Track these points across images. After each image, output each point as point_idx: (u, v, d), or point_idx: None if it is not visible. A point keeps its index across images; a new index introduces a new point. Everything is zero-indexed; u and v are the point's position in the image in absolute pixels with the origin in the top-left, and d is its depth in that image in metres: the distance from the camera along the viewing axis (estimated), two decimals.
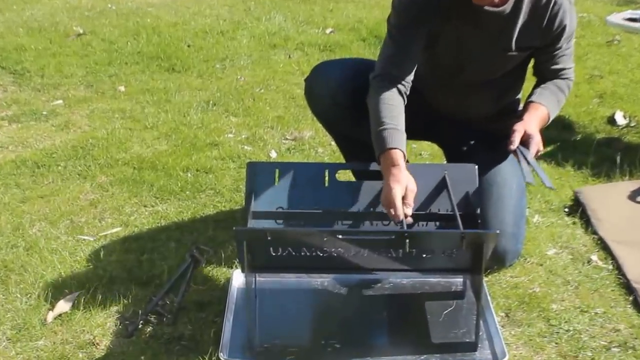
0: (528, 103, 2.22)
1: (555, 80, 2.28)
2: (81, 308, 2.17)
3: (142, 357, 1.99)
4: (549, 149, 3.20)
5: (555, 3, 2.13)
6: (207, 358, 1.96)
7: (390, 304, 2.18)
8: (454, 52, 2.21)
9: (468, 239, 1.82)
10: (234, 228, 1.84)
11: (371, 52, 4.49)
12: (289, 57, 4.53)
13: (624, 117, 3.51)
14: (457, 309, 2.13)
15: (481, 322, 1.98)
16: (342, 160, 2.61)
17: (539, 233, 2.54)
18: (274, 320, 2.09)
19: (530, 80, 2.36)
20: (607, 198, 2.71)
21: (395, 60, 2.16)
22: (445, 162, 2.56)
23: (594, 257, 2.40)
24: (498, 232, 1.85)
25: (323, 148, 3.22)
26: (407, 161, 2.04)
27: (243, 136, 3.38)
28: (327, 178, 2.14)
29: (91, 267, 2.39)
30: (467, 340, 2.00)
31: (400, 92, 2.13)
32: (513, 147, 2.08)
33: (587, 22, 5.02)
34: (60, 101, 3.85)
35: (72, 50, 4.64)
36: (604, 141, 3.28)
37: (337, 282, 2.23)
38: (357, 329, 2.05)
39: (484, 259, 1.84)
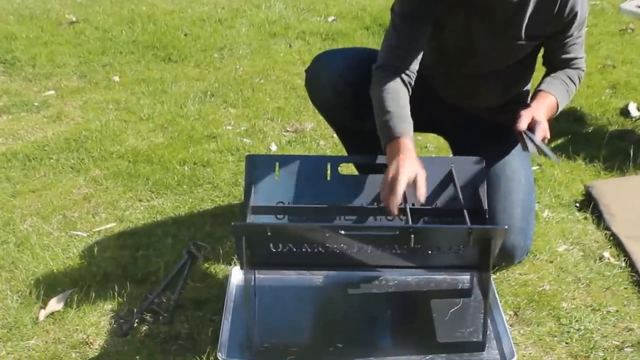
0: (536, 92, 2.22)
1: (565, 70, 2.28)
2: (74, 306, 2.17)
3: (138, 357, 1.99)
4: (559, 141, 3.20)
5: None
6: (204, 358, 1.96)
7: (394, 302, 2.18)
8: (461, 41, 2.21)
9: (475, 234, 1.82)
10: (232, 223, 1.84)
11: (375, 41, 4.48)
12: (290, 46, 4.52)
13: (638, 108, 3.51)
14: (463, 307, 2.14)
15: (489, 321, 1.98)
16: (344, 153, 2.60)
17: (549, 229, 2.54)
18: (274, 318, 2.09)
19: (540, 71, 2.36)
20: (620, 192, 2.71)
21: (399, 52, 2.16)
22: (451, 155, 2.56)
23: (606, 254, 2.40)
24: (506, 227, 1.84)
25: (325, 140, 3.22)
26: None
27: (242, 128, 3.38)
28: (329, 171, 2.13)
29: (84, 263, 2.39)
30: (474, 339, 2.00)
31: (404, 82, 2.13)
32: (520, 128, 2.07)
33: (600, 10, 5.01)
34: (53, 92, 3.85)
35: (65, 39, 4.63)
36: (616, 133, 3.28)
37: (340, 280, 2.23)
38: (360, 328, 2.06)
39: (492, 255, 1.84)
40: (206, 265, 2.37)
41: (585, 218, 2.61)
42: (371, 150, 2.20)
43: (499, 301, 2.09)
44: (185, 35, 4.71)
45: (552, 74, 2.28)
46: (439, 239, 1.94)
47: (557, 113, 2.25)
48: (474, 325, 2.05)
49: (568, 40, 2.22)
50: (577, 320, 2.11)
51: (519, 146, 2.31)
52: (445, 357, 1.94)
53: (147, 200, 2.77)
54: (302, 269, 2.22)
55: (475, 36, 2.19)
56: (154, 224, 2.62)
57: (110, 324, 2.12)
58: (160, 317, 2.13)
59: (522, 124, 2.07)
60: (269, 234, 1.85)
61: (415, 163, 1.96)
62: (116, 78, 4.02)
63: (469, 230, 1.84)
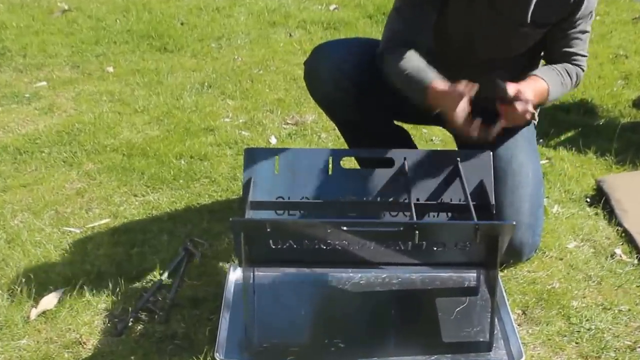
0: (528, 76, 2.21)
1: (564, 64, 2.28)
2: (67, 305, 2.17)
3: (132, 357, 1.99)
4: (569, 134, 3.20)
5: None
6: (201, 358, 1.96)
7: (398, 300, 2.18)
8: (464, 26, 2.21)
9: (482, 230, 1.82)
10: (230, 219, 1.84)
11: (378, 31, 4.47)
12: (290, 35, 4.52)
13: None
14: (470, 306, 2.14)
15: (496, 320, 1.98)
16: (347, 146, 2.60)
17: (558, 225, 2.54)
18: (274, 317, 2.09)
19: None
20: (632, 187, 2.71)
21: (404, 35, 2.17)
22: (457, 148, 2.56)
23: (618, 251, 2.40)
24: (514, 223, 1.84)
25: (326, 133, 3.22)
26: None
27: (240, 120, 3.38)
28: (330, 165, 2.13)
29: (77, 261, 2.39)
30: (481, 339, 2.00)
31: (416, 49, 2.16)
32: (509, 93, 2.06)
33: None
34: (44, 83, 3.85)
35: (57, 28, 4.64)
36: (629, 126, 3.27)
37: (341, 277, 2.23)
38: (363, 327, 2.06)
39: (500, 252, 1.84)
40: (203, 262, 2.37)
41: (596, 214, 2.61)
42: (374, 144, 2.20)
43: (506, 300, 2.09)
44: (182, 24, 4.71)
45: (549, 65, 2.28)
46: (445, 235, 1.94)
47: (547, 103, 2.24)
48: (481, 324, 2.05)
49: (572, 31, 2.22)
50: (587, 320, 2.11)
51: (526, 139, 2.32)
52: (451, 358, 1.94)
53: (142, 196, 2.77)
54: (302, 266, 2.22)
55: (479, 21, 2.19)
56: (149, 219, 2.62)
57: (104, 323, 2.12)
58: (156, 316, 2.13)
59: (510, 91, 2.07)
60: (268, 230, 1.85)
61: (453, 89, 2.02)
62: (110, 69, 4.02)
63: (476, 226, 1.84)
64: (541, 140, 3.09)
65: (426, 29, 2.18)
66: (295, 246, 1.95)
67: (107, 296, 2.22)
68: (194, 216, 2.63)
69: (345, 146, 2.57)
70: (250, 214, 2.07)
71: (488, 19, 2.18)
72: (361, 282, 2.23)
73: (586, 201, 2.70)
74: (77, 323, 2.11)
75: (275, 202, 2.12)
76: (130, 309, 2.16)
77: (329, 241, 1.92)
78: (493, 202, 2.06)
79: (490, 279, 1.95)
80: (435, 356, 1.94)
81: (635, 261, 2.35)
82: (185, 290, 2.24)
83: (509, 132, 2.30)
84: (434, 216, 2.12)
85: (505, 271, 2.30)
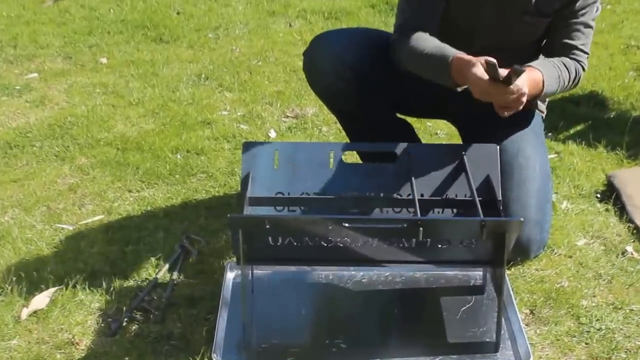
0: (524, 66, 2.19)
1: (563, 58, 2.26)
2: (59, 304, 2.17)
3: (127, 358, 1.99)
4: (579, 127, 3.20)
5: None
6: (198, 359, 1.96)
7: (401, 299, 2.18)
8: (468, 13, 2.22)
9: (488, 227, 1.82)
10: (228, 215, 1.84)
11: (382, 20, 4.48)
12: (290, 25, 4.51)
13: None
14: (476, 305, 2.14)
15: (503, 320, 1.98)
16: (348, 140, 2.60)
17: (567, 221, 2.54)
18: (273, 317, 2.10)
19: None
20: None
21: (415, 22, 2.18)
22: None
23: (629, 248, 2.40)
24: (522, 219, 1.84)
25: (327, 127, 3.22)
26: None
27: (238, 113, 3.38)
28: (332, 160, 2.13)
29: (70, 259, 2.39)
30: (487, 340, 2.00)
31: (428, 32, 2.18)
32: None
33: None
34: (35, 74, 3.85)
35: (48, 18, 4.64)
36: None
37: (343, 276, 2.23)
38: (365, 327, 2.06)
39: (506, 249, 1.84)
40: (200, 260, 2.37)
41: (607, 210, 2.61)
42: (376, 138, 2.20)
43: (513, 299, 2.09)
44: (178, 13, 4.70)
45: (547, 58, 2.27)
46: (450, 232, 1.94)
47: (542, 96, 2.21)
48: (487, 324, 2.05)
49: (574, 21, 2.22)
50: (597, 320, 2.11)
51: (533, 132, 2.32)
52: (456, 359, 1.94)
53: (137, 191, 2.77)
54: (302, 264, 2.22)
55: (483, 8, 2.19)
56: (144, 216, 2.62)
57: (97, 323, 2.12)
58: (151, 316, 2.13)
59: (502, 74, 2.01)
60: (267, 226, 1.85)
61: (477, 59, 2.01)
62: (104, 60, 4.02)
63: (482, 222, 1.83)
64: (550, 134, 3.08)
65: (435, 17, 2.19)
66: (295, 243, 1.95)
67: (100, 295, 2.22)
68: (191, 212, 2.63)
69: (347, 140, 2.57)
70: (248, 210, 2.07)
71: (492, 6, 2.19)
72: (363, 280, 2.23)
73: (596, 197, 2.69)
74: (69, 323, 2.11)
75: (274, 197, 2.12)
76: (124, 308, 2.16)
77: (330, 238, 1.92)
78: (500, 197, 2.06)
79: (497, 277, 1.95)
80: (440, 357, 1.94)
81: None
82: (181, 289, 2.24)
83: (516, 125, 2.30)
84: (438, 212, 2.12)
85: (513, 269, 2.30)
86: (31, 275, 2.30)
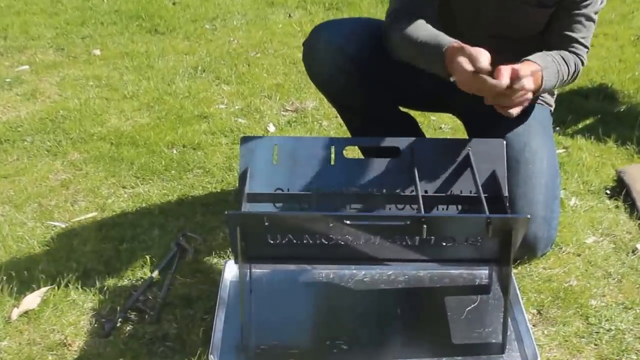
0: (522, 60, 2.17)
1: (561, 51, 2.25)
2: (51, 304, 2.17)
3: None
4: (588, 121, 3.20)
5: None
6: None
7: (404, 299, 2.18)
8: (468, 4, 2.22)
9: (495, 224, 1.82)
10: (225, 212, 1.84)
11: (384, 11, 4.44)
12: (289, 16, 4.51)
13: None
14: (481, 305, 2.14)
15: (509, 320, 1.98)
16: (349, 135, 2.60)
17: (576, 218, 2.54)
18: (272, 317, 2.09)
19: None
20: None
21: (410, 9, 2.17)
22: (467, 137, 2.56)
23: None
24: (529, 216, 1.84)
25: (328, 121, 3.22)
26: None
27: (236, 107, 3.38)
28: (333, 155, 2.13)
29: (62, 257, 2.39)
30: (493, 341, 2.00)
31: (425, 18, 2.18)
32: (504, 82, 1.97)
33: None
34: (26, 67, 3.85)
35: (40, 8, 4.63)
36: None
37: (344, 275, 2.23)
38: (367, 327, 2.06)
39: (513, 247, 1.84)
40: (197, 258, 2.37)
41: (617, 206, 2.61)
42: (378, 132, 2.20)
43: (520, 298, 2.09)
44: (174, 3, 4.70)
45: (545, 51, 2.25)
46: (454, 229, 1.94)
47: (541, 92, 2.20)
48: (493, 325, 2.04)
49: (575, 12, 2.21)
50: (607, 320, 2.11)
51: (541, 126, 2.32)
52: None
53: (132, 187, 2.77)
54: (302, 263, 2.21)
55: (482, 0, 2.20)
56: (139, 213, 2.62)
57: (90, 324, 2.12)
58: (146, 316, 2.13)
59: (503, 79, 1.97)
60: (266, 224, 1.84)
61: (472, 49, 1.99)
62: (97, 51, 4.02)
63: (488, 219, 1.83)
64: (558, 128, 3.08)
65: (434, 3, 2.19)
66: (294, 241, 1.95)
67: (94, 295, 2.22)
68: (187, 209, 2.63)
69: (348, 134, 2.57)
70: (246, 207, 2.07)
71: None
72: (365, 279, 2.23)
73: (606, 193, 2.69)
74: (61, 323, 2.11)
75: (273, 194, 2.11)
76: (118, 308, 2.16)
77: (330, 236, 1.92)
78: (506, 193, 2.06)
79: (503, 276, 1.95)
80: (444, 358, 1.94)
81: None
82: (177, 289, 2.24)
83: (523, 118, 2.29)
84: (443, 209, 2.11)
85: (519, 268, 2.30)
86: (22, 275, 2.30)
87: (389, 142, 2.12)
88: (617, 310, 2.15)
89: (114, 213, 2.62)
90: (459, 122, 2.76)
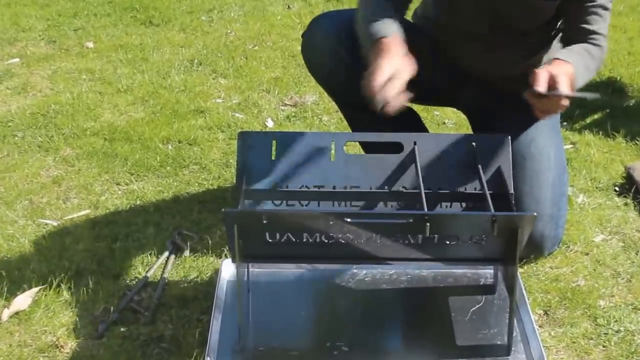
0: (551, 60, 2.17)
1: (585, 45, 2.24)
2: (42, 305, 2.17)
3: None
4: (596, 116, 3.20)
5: None
6: None
7: (407, 299, 2.18)
8: None
9: (500, 222, 1.82)
10: (223, 210, 1.84)
11: None
12: (288, 7, 4.51)
13: None
14: (486, 305, 2.13)
15: (515, 321, 1.98)
16: (350, 130, 2.60)
17: (584, 216, 2.54)
18: (270, 318, 2.09)
19: None
20: None
21: None
22: (471, 132, 2.55)
23: None
24: (535, 214, 1.84)
25: (328, 115, 3.22)
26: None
27: (234, 101, 3.37)
28: (333, 151, 2.13)
29: (54, 256, 2.39)
30: (499, 342, 1.99)
31: (396, 9, 2.14)
32: (541, 89, 1.95)
33: None
34: (17, 59, 3.85)
35: None
36: None
37: (345, 274, 2.23)
38: (368, 329, 2.06)
39: (519, 246, 1.84)
40: (193, 257, 2.37)
41: (626, 204, 2.61)
42: (380, 127, 2.19)
43: (526, 299, 2.09)
44: None
45: (569, 47, 2.24)
46: (459, 227, 1.94)
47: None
48: (498, 326, 2.04)
49: (590, 4, 2.20)
50: (616, 321, 2.11)
51: (547, 122, 2.31)
52: None
53: (126, 184, 2.77)
54: (302, 262, 2.21)
55: None
56: (133, 211, 2.62)
57: (83, 325, 2.12)
58: (141, 317, 2.13)
59: (541, 85, 1.95)
60: (264, 221, 1.84)
61: (402, 56, 1.94)
62: (90, 44, 4.02)
63: (493, 217, 1.83)
64: (565, 123, 3.08)
65: None
66: (294, 240, 1.95)
67: (86, 295, 2.22)
68: (183, 207, 2.63)
69: (349, 129, 2.57)
70: (244, 205, 2.07)
71: None
72: (366, 279, 2.22)
73: (614, 190, 2.69)
74: (53, 324, 2.11)
75: (272, 191, 2.11)
76: (112, 308, 2.16)
77: (331, 234, 1.91)
78: (512, 190, 2.06)
79: (509, 275, 1.94)
80: None
81: None
82: (172, 289, 2.24)
83: (526, 115, 2.29)
84: (446, 206, 2.11)
85: (525, 267, 2.30)
86: (12, 274, 2.30)
87: (390, 137, 2.12)
88: (626, 310, 2.15)
89: (108, 211, 2.62)
90: (463, 116, 2.75)
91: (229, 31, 4.16)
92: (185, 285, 2.26)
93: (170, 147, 2.99)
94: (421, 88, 2.45)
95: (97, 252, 2.40)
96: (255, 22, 4.28)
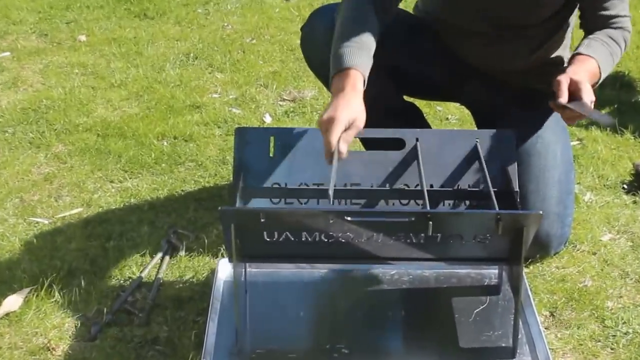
0: (573, 56, 2.19)
1: (606, 30, 2.24)
2: (33, 306, 2.17)
3: None
4: (603, 112, 3.19)
5: None
6: None
7: (409, 300, 2.18)
8: None
9: (505, 221, 1.82)
10: (219, 208, 1.83)
11: None
12: (287, 0, 4.50)
13: None
14: (491, 306, 2.13)
15: (520, 322, 1.98)
16: None
17: (591, 214, 2.54)
18: (268, 320, 2.09)
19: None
20: None
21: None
22: (475, 128, 2.55)
23: None
24: (541, 212, 1.84)
25: None
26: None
27: (231, 96, 3.37)
28: None
29: (46, 256, 2.39)
30: (503, 344, 1.99)
31: (377, 11, 2.11)
32: (563, 100, 1.98)
33: None
34: (8, 53, 3.85)
35: None
36: None
37: (345, 274, 2.23)
38: (369, 331, 2.06)
39: (524, 245, 1.84)
40: (189, 257, 2.37)
41: (634, 202, 2.61)
42: (381, 123, 2.19)
43: (532, 300, 2.09)
44: None
45: (591, 36, 2.24)
46: (462, 226, 1.94)
47: (600, 81, 2.21)
48: (503, 328, 2.04)
49: None
50: (624, 323, 2.11)
51: (553, 117, 2.31)
52: None
53: (120, 181, 2.77)
54: (301, 262, 2.21)
55: None
56: (127, 209, 2.62)
57: (75, 327, 2.12)
58: (135, 318, 2.13)
59: (563, 96, 1.98)
60: (262, 220, 1.84)
61: (357, 105, 1.92)
62: (82, 37, 4.02)
63: (497, 215, 1.83)
64: None
65: None
66: (292, 239, 1.95)
67: (79, 296, 2.21)
68: (178, 205, 2.63)
69: None
70: (241, 203, 2.07)
71: None
72: (367, 279, 2.22)
73: (623, 188, 2.69)
74: (45, 326, 2.11)
75: (270, 188, 2.11)
76: (105, 310, 2.16)
77: (330, 233, 1.91)
78: (517, 188, 2.06)
79: (514, 276, 1.94)
80: None
81: None
82: (167, 289, 2.24)
83: (531, 110, 2.29)
84: (449, 204, 2.11)
85: (531, 267, 2.30)
86: (2, 274, 2.31)
87: (392, 133, 2.12)
88: (634, 312, 2.15)
89: (101, 209, 2.62)
90: (466, 112, 2.75)
91: (225, 24, 4.15)
92: (181, 285, 2.26)
93: (165, 143, 2.99)
94: (425, 83, 2.47)
95: (90, 252, 2.40)
96: (252, 15, 4.27)
